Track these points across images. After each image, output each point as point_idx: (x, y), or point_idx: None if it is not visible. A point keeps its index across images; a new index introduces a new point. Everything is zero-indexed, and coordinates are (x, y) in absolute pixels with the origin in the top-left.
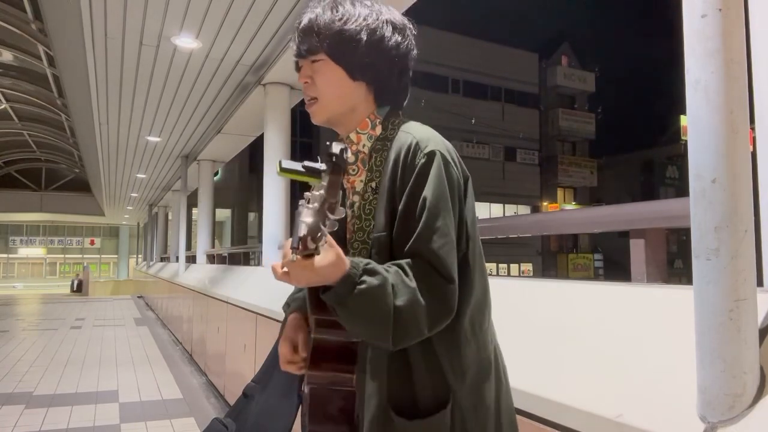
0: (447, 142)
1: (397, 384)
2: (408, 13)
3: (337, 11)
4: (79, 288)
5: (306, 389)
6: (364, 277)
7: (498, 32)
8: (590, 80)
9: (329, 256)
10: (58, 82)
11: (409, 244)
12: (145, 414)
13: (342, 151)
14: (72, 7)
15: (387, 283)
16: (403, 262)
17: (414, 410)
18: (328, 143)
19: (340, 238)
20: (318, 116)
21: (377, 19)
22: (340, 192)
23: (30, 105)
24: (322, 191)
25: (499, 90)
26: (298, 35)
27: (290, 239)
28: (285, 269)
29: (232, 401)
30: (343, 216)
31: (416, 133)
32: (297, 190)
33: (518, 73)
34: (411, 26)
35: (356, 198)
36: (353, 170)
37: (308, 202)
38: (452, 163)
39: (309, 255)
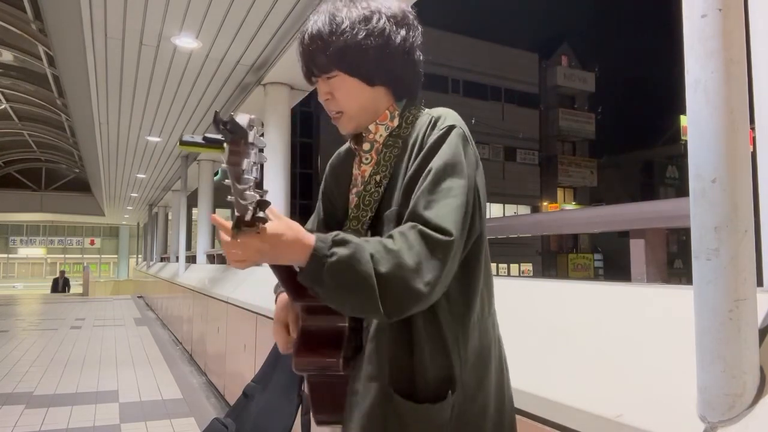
0: (464, 124)
1: (399, 365)
2: None
3: (335, 22)
4: (65, 288)
5: (305, 379)
6: (334, 249)
7: (498, 32)
8: (590, 80)
9: (275, 224)
10: (58, 82)
11: (408, 209)
12: (145, 414)
13: (237, 116)
14: (72, 7)
15: (361, 250)
16: (393, 231)
17: (414, 393)
18: (216, 111)
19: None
20: (346, 128)
21: (379, 20)
22: (246, 160)
23: (30, 105)
24: (227, 162)
25: (499, 90)
26: (304, 55)
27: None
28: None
29: (232, 401)
30: (252, 182)
31: (435, 112)
32: (297, 190)
33: (518, 73)
34: (410, 12)
35: (362, 187)
36: (367, 159)
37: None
38: (470, 141)
39: (252, 230)
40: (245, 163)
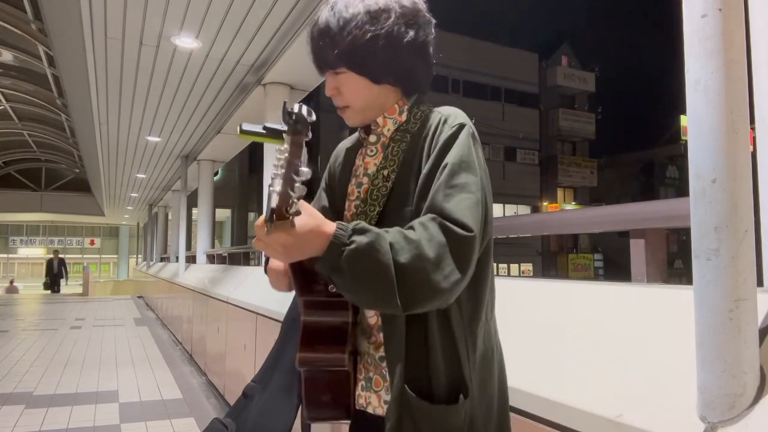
0: (472, 124)
1: (415, 365)
2: None
3: (344, 18)
4: (61, 270)
5: (300, 373)
6: (354, 237)
7: (498, 32)
8: (590, 80)
9: (305, 219)
10: (58, 82)
11: (426, 203)
12: (145, 414)
13: (302, 108)
14: (72, 7)
15: (381, 239)
16: (413, 222)
17: (430, 394)
18: (285, 101)
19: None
20: (352, 122)
21: (387, 19)
22: (304, 152)
23: (30, 105)
24: (285, 154)
25: (499, 90)
26: (314, 49)
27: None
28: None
29: (232, 401)
30: (308, 176)
31: (444, 110)
32: None
33: (518, 73)
34: (423, 6)
35: (365, 180)
36: (371, 151)
37: (276, 169)
38: (478, 141)
39: (285, 224)
40: (303, 155)
